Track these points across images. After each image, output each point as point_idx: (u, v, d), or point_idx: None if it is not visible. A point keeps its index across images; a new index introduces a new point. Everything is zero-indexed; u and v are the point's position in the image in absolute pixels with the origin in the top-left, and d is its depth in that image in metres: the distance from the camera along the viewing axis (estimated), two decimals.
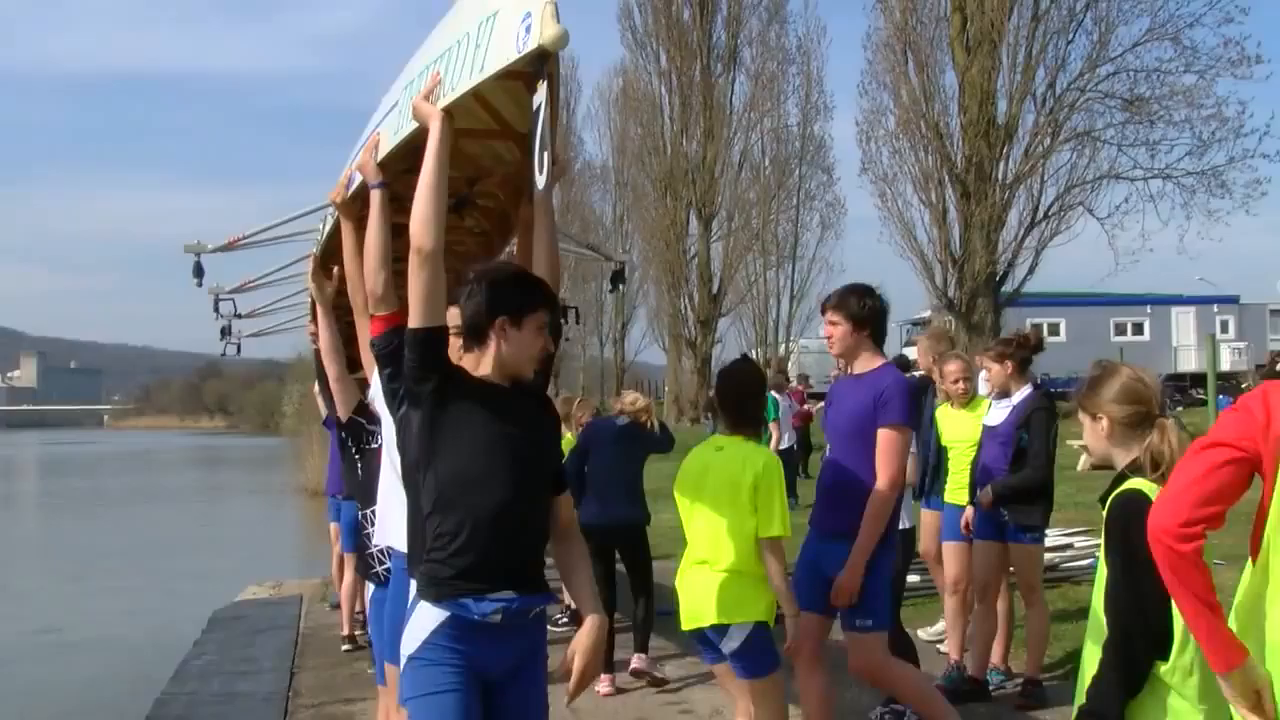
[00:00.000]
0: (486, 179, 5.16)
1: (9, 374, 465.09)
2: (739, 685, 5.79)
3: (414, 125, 4.29)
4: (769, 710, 5.74)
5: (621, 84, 56.99)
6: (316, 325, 8.61)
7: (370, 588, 6.01)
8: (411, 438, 4.01)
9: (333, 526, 11.43)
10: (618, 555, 8.98)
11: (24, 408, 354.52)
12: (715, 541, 5.72)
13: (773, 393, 22.80)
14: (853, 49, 34.08)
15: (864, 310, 6.13)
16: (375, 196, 4.69)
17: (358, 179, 5.18)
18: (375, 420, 6.09)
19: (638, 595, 8.92)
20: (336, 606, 12.42)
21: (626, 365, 64.07)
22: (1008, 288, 29.09)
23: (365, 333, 5.14)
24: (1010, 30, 27.43)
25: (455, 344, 5.42)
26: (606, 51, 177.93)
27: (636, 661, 8.65)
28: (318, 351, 8.31)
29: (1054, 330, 36.65)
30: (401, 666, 3.92)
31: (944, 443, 8.38)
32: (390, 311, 4.57)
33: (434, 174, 3.88)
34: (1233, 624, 3.44)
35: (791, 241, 48.49)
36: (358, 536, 6.19)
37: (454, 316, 4.09)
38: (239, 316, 10.21)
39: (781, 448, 20.98)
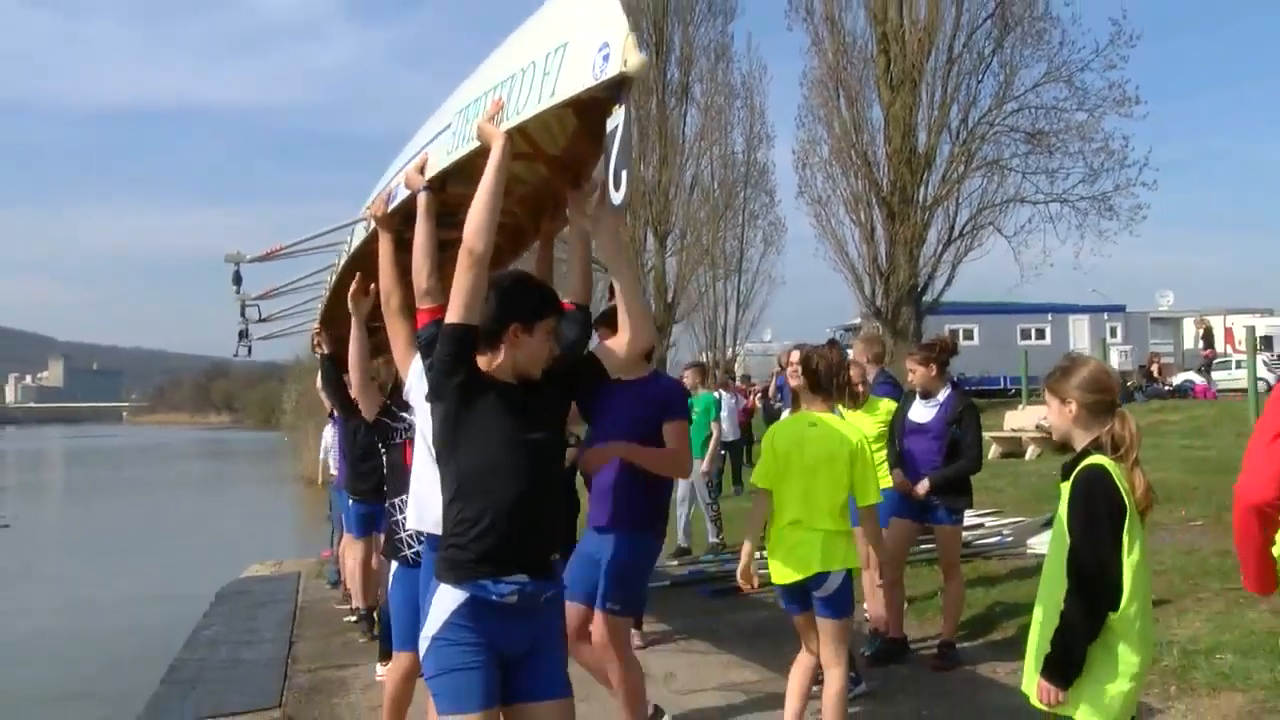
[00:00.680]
0: (505, 197, 5.11)
1: (38, 375, 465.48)
2: (825, 627, 5.92)
3: (471, 146, 4.24)
4: (845, 645, 6.00)
5: None
6: (321, 333, 8.61)
7: (394, 566, 5.94)
8: (435, 428, 3.94)
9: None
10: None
11: (51, 405, 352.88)
12: (812, 504, 5.87)
13: (719, 391, 22.95)
14: (791, 86, 34.30)
15: None
16: (421, 200, 4.64)
17: (400, 195, 5.13)
18: (399, 418, 6.09)
19: None
20: (333, 584, 12.38)
21: None
22: (928, 298, 29.25)
23: (398, 331, 5.14)
24: (928, 71, 27.61)
25: (400, 343, 5.40)
26: None
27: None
28: (325, 356, 8.28)
29: (968, 335, 36.78)
30: (424, 648, 3.81)
31: None
32: (436, 304, 4.51)
33: (492, 187, 3.83)
34: None
35: (738, 256, 48.30)
36: (387, 522, 6.12)
37: None
38: (261, 321, 10.09)
39: (726, 440, 21.08)
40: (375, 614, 9.19)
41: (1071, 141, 28.33)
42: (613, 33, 3.29)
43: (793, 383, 7.50)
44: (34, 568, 22.87)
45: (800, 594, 5.92)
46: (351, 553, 10.09)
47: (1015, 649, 8.32)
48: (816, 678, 6.02)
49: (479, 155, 4.20)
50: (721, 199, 47.84)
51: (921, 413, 7.98)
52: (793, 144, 31.47)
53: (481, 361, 3.86)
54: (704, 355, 43.12)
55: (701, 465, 13.89)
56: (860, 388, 8.16)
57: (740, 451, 21.59)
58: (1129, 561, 3.91)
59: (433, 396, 3.92)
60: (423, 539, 5.17)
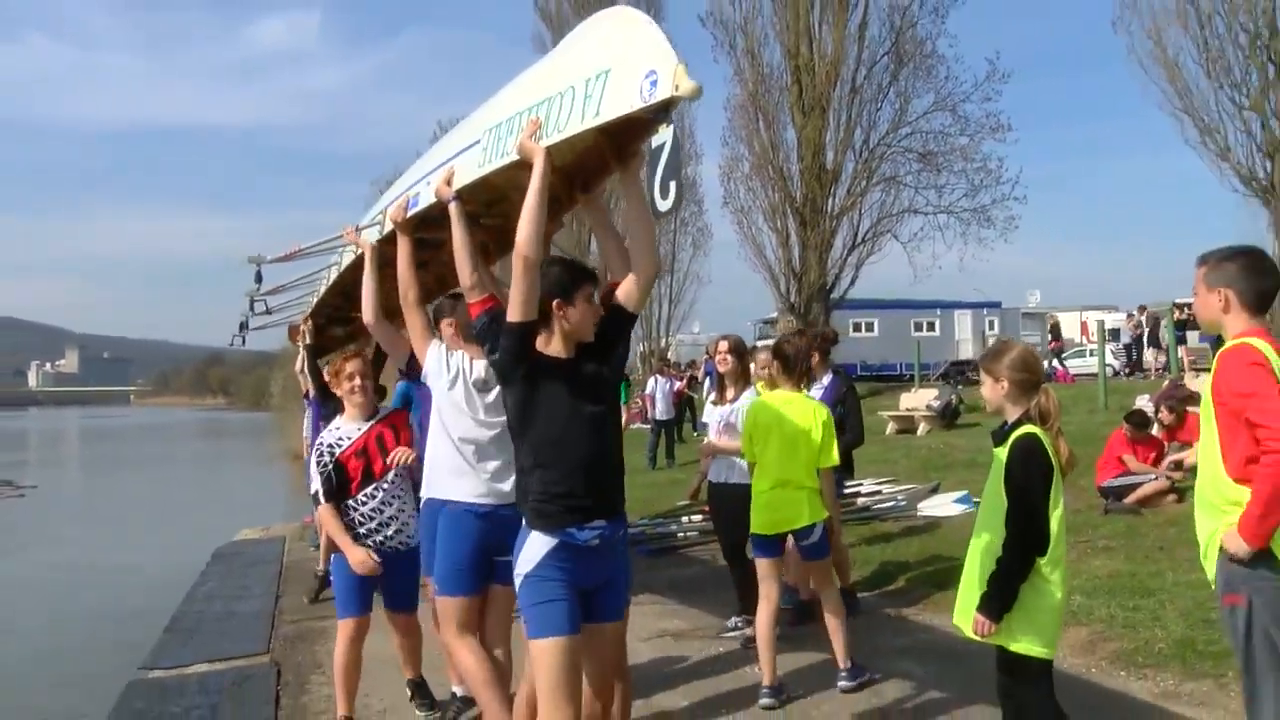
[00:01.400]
0: (502, 203, 5.02)
1: (57, 362, 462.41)
2: (813, 567, 6.40)
3: (507, 159, 4.20)
4: (830, 574, 6.44)
5: None
6: (307, 324, 8.52)
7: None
8: (509, 409, 4.01)
9: None
10: None
11: (68, 389, 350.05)
12: (794, 468, 6.13)
13: (655, 376, 22.96)
14: (716, 110, 34.28)
15: None
16: (453, 208, 4.55)
17: (418, 202, 5.06)
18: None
19: None
20: (315, 546, 12.25)
21: None
22: (835, 295, 29.38)
23: (415, 322, 5.07)
24: (835, 99, 27.69)
25: (448, 334, 5.28)
26: None
27: None
28: (306, 346, 8.15)
29: (869, 328, 37.07)
30: (518, 583, 3.88)
31: None
32: (484, 296, 4.38)
33: (537, 199, 3.83)
34: None
35: (670, 258, 48.48)
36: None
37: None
38: (266, 313, 9.91)
39: (661, 419, 21.10)
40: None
41: (955, 161, 28.66)
42: (660, 61, 3.36)
43: (721, 370, 7.51)
44: (53, 531, 22.72)
45: (778, 543, 6.18)
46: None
47: (908, 597, 8.43)
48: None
49: (514, 169, 4.18)
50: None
51: (813, 395, 7.99)
52: (719, 160, 31.60)
53: (540, 342, 3.92)
54: (640, 345, 43.17)
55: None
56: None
57: (673, 429, 21.61)
58: (1054, 515, 4.05)
59: (502, 382, 4.03)
60: (426, 502, 5.07)
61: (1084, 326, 40.52)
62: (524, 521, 3.94)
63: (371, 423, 5.68)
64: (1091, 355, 28.55)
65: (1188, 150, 18.89)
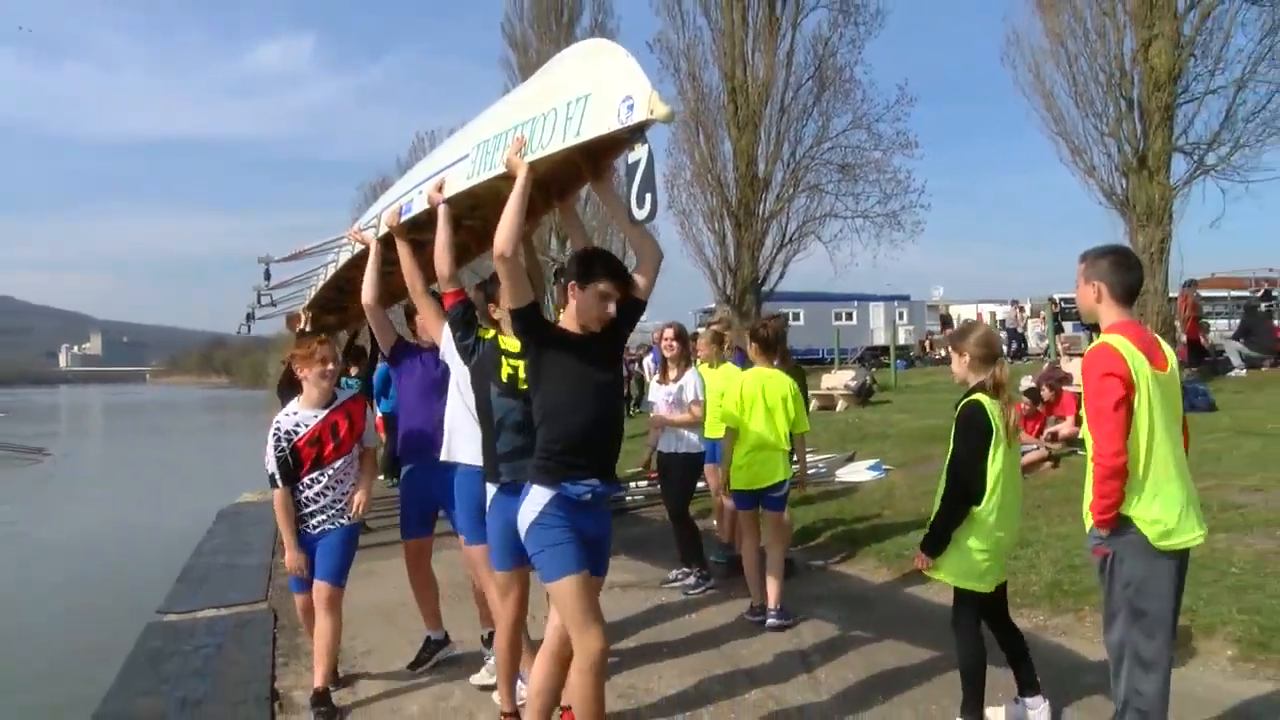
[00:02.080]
0: (483, 208, 4.98)
1: (82, 346, 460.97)
2: (773, 518, 6.48)
3: (493, 172, 4.19)
4: (785, 537, 6.70)
5: None
6: (306, 315, 8.46)
7: None
8: (527, 378, 4.01)
9: None
10: None
11: (92, 369, 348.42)
12: (775, 432, 6.32)
13: None
14: (661, 126, 34.01)
15: None
16: (441, 212, 4.58)
17: (411, 209, 5.06)
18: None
19: None
20: None
21: None
22: (766, 288, 29.41)
23: (426, 306, 5.02)
24: (766, 116, 27.65)
25: (430, 316, 5.11)
26: None
27: None
28: (302, 332, 8.07)
29: (796, 318, 37.07)
30: (524, 533, 3.82)
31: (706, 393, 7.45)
32: (457, 289, 4.53)
33: (516, 205, 3.83)
34: None
35: (621, 255, 48.46)
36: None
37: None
38: (272, 305, 9.78)
39: None
40: None
41: (870, 173, 28.68)
42: (635, 88, 3.39)
43: (666, 353, 7.50)
44: (79, 492, 22.45)
45: (756, 497, 6.39)
46: None
47: (827, 551, 8.50)
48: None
49: (496, 180, 4.19)
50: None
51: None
52: (663, 169, 31.52)
53: (565, 316, 3.96)
54: None
55: None
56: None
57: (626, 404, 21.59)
58: (991, 471, 4.18)
59: (523, 354, 4.03)
60: (456, 468, 4.89)
61: (979, 316, 40.97)
62: (529, 478, 3.88)
63: (328, 409, 5.25)
64: None
65: (1063, 168, 19.23)
